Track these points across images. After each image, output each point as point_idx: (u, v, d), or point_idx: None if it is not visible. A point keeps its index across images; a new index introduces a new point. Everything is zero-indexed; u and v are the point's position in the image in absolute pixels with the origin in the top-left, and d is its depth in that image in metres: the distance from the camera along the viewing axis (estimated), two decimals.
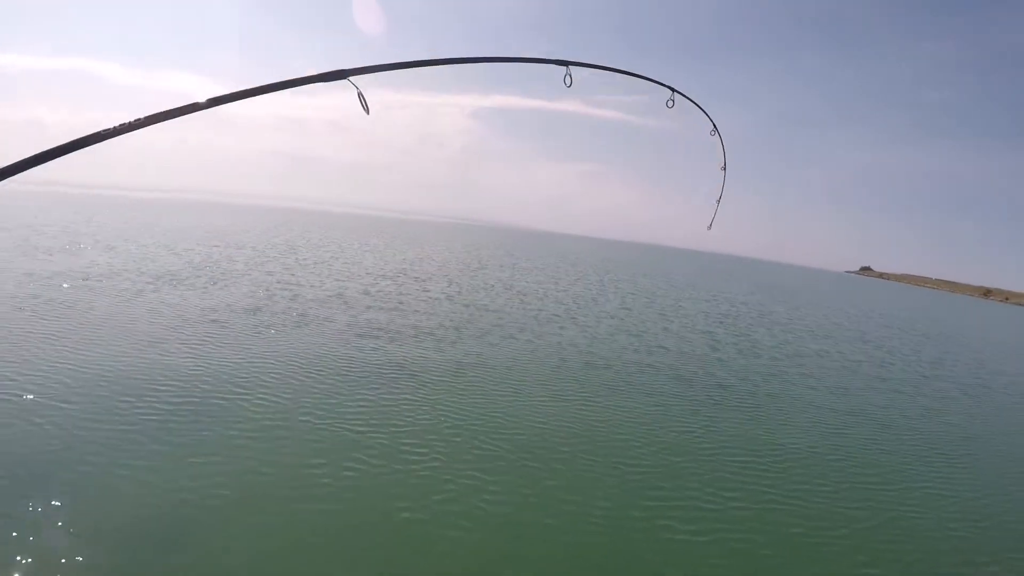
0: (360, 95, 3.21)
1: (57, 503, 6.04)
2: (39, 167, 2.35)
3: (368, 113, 3.30)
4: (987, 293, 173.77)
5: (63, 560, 5.20)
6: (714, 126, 5.62)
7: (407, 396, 10.60)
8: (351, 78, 3.17)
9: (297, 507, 6.58)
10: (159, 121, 2.58)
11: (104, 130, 2.51)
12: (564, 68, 3.90)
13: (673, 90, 4.80)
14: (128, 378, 9.95)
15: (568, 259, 62.14)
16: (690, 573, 6.30)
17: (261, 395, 9.88)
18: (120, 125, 2.51)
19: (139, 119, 2.50)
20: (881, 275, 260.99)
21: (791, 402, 13.60)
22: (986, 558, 7.49)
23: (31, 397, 8.73)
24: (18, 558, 5.14)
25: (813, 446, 10.76)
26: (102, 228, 35.50)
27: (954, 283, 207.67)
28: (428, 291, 23.56)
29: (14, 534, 5.47)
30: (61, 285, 16.62)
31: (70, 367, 10.17)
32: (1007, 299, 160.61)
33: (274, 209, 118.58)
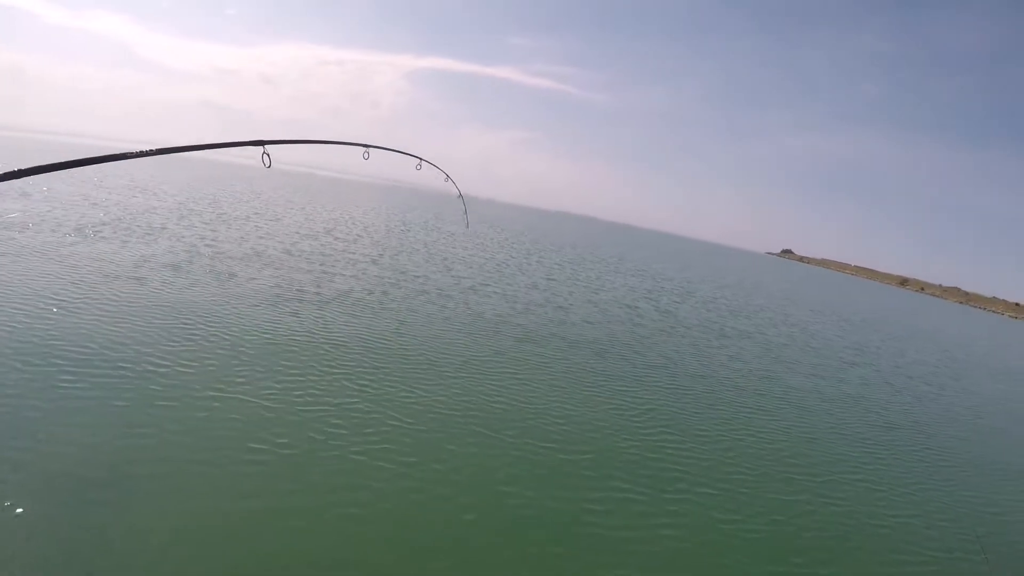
0: (264, 154, 3.91)
1: None
2: None
3: (269, 167, 3.94)
4: (904, 282, 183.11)
5: None
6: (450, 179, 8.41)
7: (324, 365, 10.17)
8: (267, 146, 3.89)
9: (206, 473, 6.35)
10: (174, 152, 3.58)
11: (127, 152, 3.22)
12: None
13: (420, 158, 6.28)
14: (38, 338, 9.22)
15: (497, 226, 61.76)
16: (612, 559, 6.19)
17: (174, 357, 9.33)
18: (141, 151, 3.13)
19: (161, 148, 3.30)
20: (802, 259, 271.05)
21: (714, 381, 13.76)
22: (904, 541, 7.73)
23: None
24: None
25: (737, 425, 10.92)
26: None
27: (873, 271, 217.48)
28: (352, 253, 22.83)
29: None
30: None
31: None
32: (922, 289, 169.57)
33: (205, 162, 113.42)
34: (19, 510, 5.25)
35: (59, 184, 29.09)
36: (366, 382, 9.72)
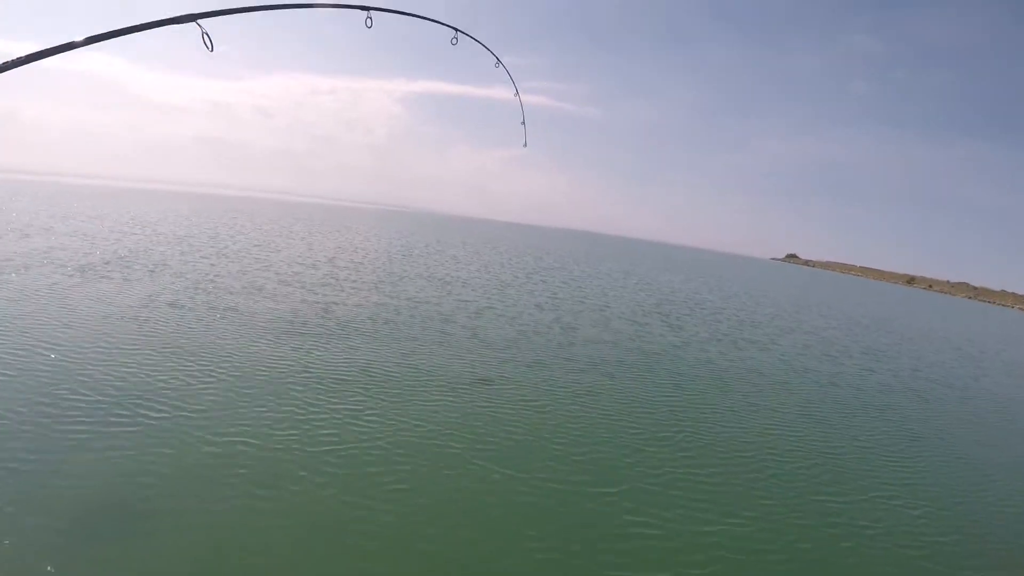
0: (204, 34, 3.23)
1: None
2: None
3: (212, 50, 3.31)
4: (911, 281, 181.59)
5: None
6: (497, 59, 7.80)
7: (332, 397, 10.00)
8: (200, 21, 3.22)
9: (224, 507, 6.35)
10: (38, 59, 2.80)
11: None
12: (365, 13, 4.29)
13: (456, 29, 6.15)
14: (41, 380, 9.24)
15: (498, 248, 61.54)
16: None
17: (177, 395, 9.26)
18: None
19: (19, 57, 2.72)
20: (807, 262, 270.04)
21: (732, 398, 13.38)
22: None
23: None
24: None
25: (759, 444, 10.51)
26: (19, 214, 33.25)
27: (879, 271, 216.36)
28: (355, 281, 22.53)
29: None
30: None
31: None
32: (930, 287, 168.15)
33: (202, 196, 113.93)
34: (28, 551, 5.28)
35: (58, 224, 29.05)
36: (379, 411, 9.51)
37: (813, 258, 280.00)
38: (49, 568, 5.09)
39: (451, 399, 10.63)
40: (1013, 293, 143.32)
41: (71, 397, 8.69)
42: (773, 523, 7.59)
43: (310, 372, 11.13)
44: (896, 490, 9.37)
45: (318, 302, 17.40)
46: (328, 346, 12.95)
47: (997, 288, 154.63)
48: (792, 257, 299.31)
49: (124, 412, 8.39)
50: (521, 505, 7.23)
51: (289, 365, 11.36)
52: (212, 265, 22.07)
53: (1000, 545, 8.07)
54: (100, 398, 8.80)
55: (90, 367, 9.99)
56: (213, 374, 10.35)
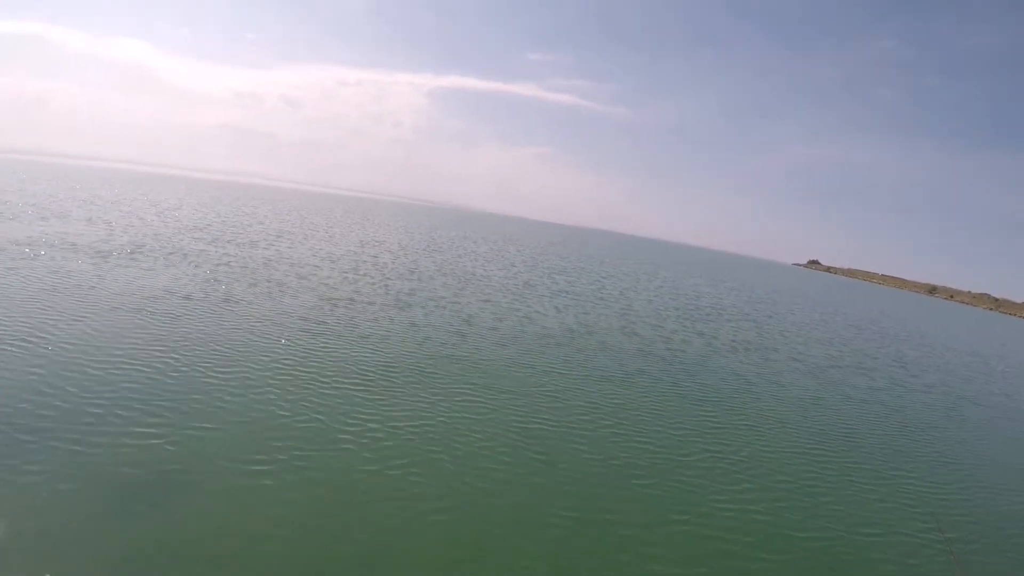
0: None
1: None
2: None
3: None
4: (933, 290, 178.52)
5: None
6: None
7: (367, 384, 10.12)
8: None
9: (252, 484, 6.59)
10: None
11: None
12: None
13: None
14: (67, 362, 9.41)
15: (522, 245, 61.09)
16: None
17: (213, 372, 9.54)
18: None
19: None
20: (828, 269, 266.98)
21: (762, 414, 12.94)
22: None
23: None
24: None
25: (793, 474, 10.09)
26: (47, 197, 33.63)
27: (901, 279, 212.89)
28: (381, 279, 22.23)
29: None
30: None
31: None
32: (951, 297, 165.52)
33: (230, 184, 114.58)
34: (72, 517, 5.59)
35: (112, 212, 29.10)
36: (409, 403, 9.27)
37: (835, 264, 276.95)
38: (85, 534, 5.35)
39: (486, 402, 10.32)
40: None
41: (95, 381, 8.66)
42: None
43: (324, 363, 11.04)
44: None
45: (335, 297, 17.17)
46: (349, 336, 12.74)
47: (1019, 300, 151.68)
48: (814, 263, 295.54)
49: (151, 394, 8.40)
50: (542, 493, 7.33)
51: (306, 356, 11.31)
52: (261, 252, 21.94)
53: None
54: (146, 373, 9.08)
55: (109, 354, 9.90)
56: (231, 365, 10.28)
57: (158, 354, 10.24)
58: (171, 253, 20.65)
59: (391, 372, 11.23)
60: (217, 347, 11.08)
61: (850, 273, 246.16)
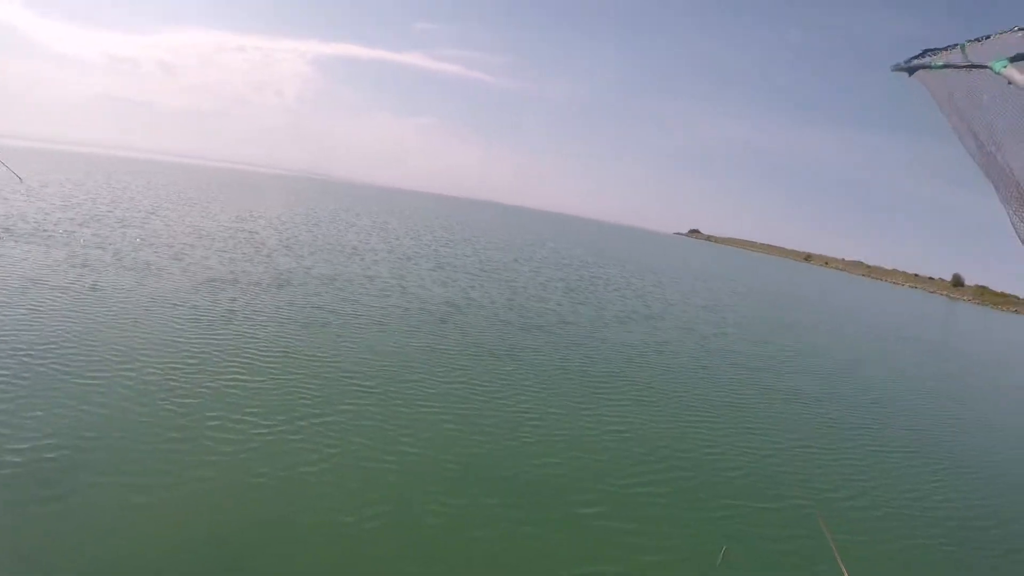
0: None
1: None
2: None
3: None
4: (808, 258, 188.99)
5: None
6: None
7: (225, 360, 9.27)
8: None
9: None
10: None
11: None
12: None
13: None
14: None
15: (414, 218, 59.71)
16: None
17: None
18: None
19: None
20: (709, 237, 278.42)
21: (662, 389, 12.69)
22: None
23: None
24: None
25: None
26: None
27: (779, 248, 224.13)
28: (254, 257, 20.56)
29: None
30: None
31: None
32: (826, 263, 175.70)
33: (106, 157, 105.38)
34: None
35: None
36: (286, 387, 8.17)
37: (715, 233, 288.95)
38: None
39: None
40: (903, 272, 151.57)
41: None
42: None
43: (199, 351, 9.89)
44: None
45: (215, 279, 15.55)
46: (225, 321, 11.48)
47: (889, 267, 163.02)
48: (695, 232, 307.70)
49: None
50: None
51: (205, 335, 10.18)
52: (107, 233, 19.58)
53: None
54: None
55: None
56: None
57: (17, 353, 8.89)
58: (32, 235, 18.17)
59: (268, 356, 10.39)
60: (85, 342, 9.77)
61: (729, 241, 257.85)
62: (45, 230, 19.16)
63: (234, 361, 9.90)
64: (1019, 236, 2.85)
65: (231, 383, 8.96)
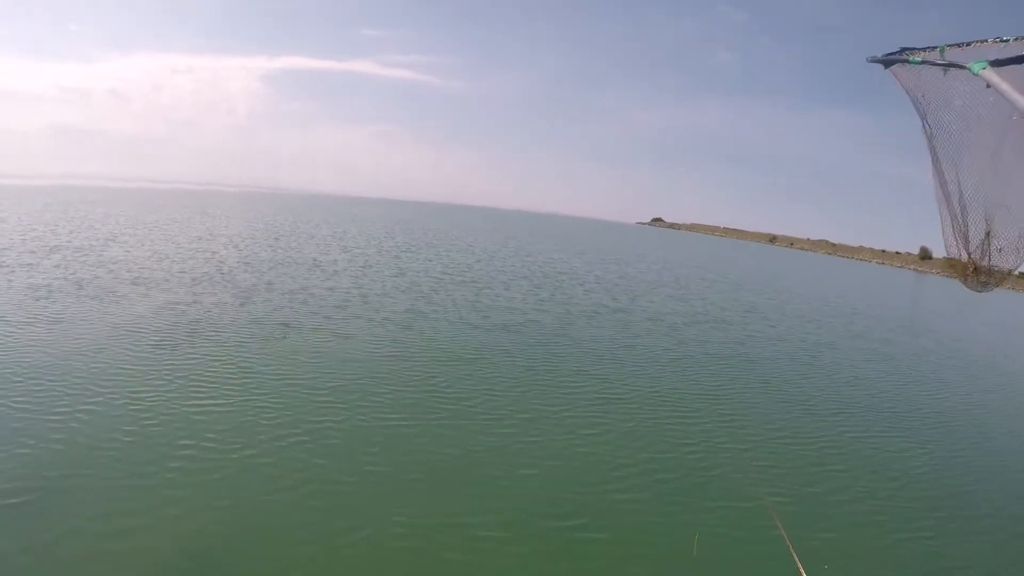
0: None
1: None
2: None
3: None
4: (773, 239, 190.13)
5: None
6: None
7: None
8: None
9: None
10: None
11: None
12: None
13: None
14: None
15: (368, 225, 59.36)
16: None
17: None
18: None
19: None
20: (672, 225, 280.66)
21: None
22: None
23: None
24: None
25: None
26: None
27: (742, 231, 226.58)
28: (225, 271, 20.34)
29: None
30: None
31: None
32: (791, 244, 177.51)
33: (62, 188, 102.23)
34: None
35: None
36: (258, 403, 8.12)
37: (678, 221, 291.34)
38: None
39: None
40: (870, 248, 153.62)
41: None
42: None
43: (166, 376, 9.60)
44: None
45: (181, 301, 15.40)
46: (190, 344, 11.18)
47: (855, 244, 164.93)
48: (658, 220, 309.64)
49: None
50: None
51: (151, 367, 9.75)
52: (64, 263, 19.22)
53: None
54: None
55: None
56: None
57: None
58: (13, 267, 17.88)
59: (233, 376, 10.30)
60: (49, 375, 9.61)
61: (693, 228, 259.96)
62: (5, 264, 18.80)
63: (199, 384, 9.76)
64: (946, 249, 3.09)
65: (197, 407, 8.82)
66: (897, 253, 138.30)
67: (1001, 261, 2.94)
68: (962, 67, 2.66)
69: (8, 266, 18.36)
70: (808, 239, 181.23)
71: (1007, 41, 2.60)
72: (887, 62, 3.17)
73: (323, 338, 13.28)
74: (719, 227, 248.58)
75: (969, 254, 3.00)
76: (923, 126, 3.02)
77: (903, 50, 3.08)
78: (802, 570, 4.12)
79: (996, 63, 2.55)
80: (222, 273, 20.52)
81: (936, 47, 2.86)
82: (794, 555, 4.01)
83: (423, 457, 8.01)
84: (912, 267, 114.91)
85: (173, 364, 10.67)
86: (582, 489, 7.58)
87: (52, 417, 8.09)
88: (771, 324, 22.31)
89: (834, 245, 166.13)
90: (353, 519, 6.39)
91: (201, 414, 8.64)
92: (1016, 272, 3.00)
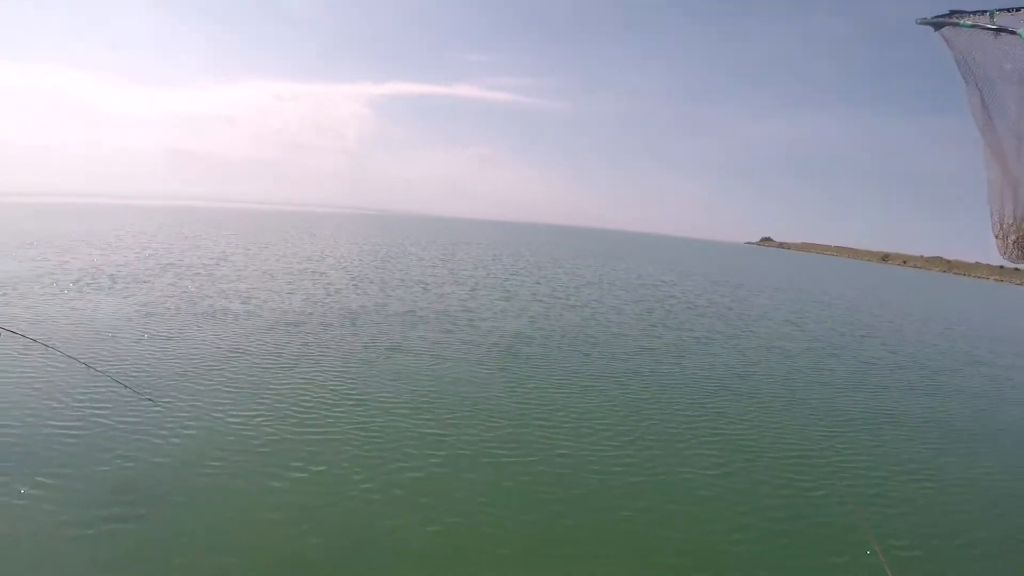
0: None
1: None
2: None
3: None
4: (885, 258, 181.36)
5: None
6: None
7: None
8: None
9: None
10: None
11: None
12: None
13: None
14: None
15: (484, 246, 59.72)
16: None
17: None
18: None
19: None
20: (781, 245, 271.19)
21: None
22: None
23: None
24: None
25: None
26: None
27: (853, 249, 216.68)
28: (335, 297, 20.52)
29: None
30: None
31: None
32: (904, 262, 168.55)
33: (174, 208, 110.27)
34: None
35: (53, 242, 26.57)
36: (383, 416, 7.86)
37: (788, 240, 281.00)
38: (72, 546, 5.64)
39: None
40: (987, 264, 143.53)
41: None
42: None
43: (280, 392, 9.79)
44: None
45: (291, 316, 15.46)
46: (300, 362, 11.40)
47: (971, 260, 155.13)
48: (767, 240, 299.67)
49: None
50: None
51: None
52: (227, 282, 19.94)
53: None
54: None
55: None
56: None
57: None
58: (129, 284, 19.12)
59: (342, 399, 10.32)
60: (164, 390, 9.98)
61: (803, 247, 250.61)
62: (125, 280, 19.65)
63: (307, 404, 9.88)
64: (990, 206, 3.08)
65: (303, 427, 8.91)
66: (1016, 269, 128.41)
67: None
68: (1013, 32, 2.70)
69: (124, 281, 19.15)
70: (922, 256, 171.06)
71: None
72: (937, 24, 3.11)
73: (430, 362, 13.12)
74: (830, 245, 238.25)
75: (1016, 219, 2.99)
76: (969, 90, 2.98)
77: (952, 13, 3.04)
78: None
79: None
80: (331, 294, 20.67)
81: (986, 11, 2.87)
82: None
83: (524, 489, 7.70)
84: None
85: (281, 383, 10.80)
86: (703, 536, 6.97)
87: (161, 432, 8.26)
88: (891, 350, 20.38)
89: (949, 262, 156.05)
90: (455, 551, 6.21)
91: (308, 433, 8.71)
92: None
